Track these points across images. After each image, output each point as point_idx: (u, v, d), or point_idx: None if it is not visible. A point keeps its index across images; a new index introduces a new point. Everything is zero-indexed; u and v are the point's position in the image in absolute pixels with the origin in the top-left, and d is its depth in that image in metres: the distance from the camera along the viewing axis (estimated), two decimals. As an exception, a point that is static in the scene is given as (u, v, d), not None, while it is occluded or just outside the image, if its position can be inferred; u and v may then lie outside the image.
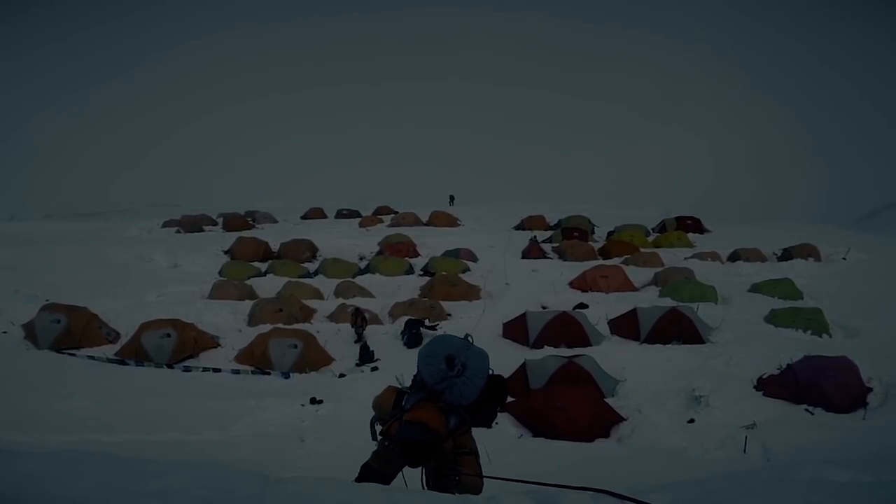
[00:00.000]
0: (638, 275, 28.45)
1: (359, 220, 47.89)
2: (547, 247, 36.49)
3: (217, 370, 17.76)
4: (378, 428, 5.22)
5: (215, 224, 45.86)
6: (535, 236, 39.76)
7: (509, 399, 15.57)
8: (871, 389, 15.61)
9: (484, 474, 4.66)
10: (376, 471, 5.02)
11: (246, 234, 39.54)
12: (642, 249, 34.38)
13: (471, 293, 26.09)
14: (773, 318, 21.25)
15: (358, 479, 4.96)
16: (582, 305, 23.62)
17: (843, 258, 31.58)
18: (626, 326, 20.83)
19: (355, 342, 20.00)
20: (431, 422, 4.54)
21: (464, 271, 30.15)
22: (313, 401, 15.07)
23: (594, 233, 41.74)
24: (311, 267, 31.87)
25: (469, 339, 4.95)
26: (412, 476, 4.84)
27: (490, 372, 4.96)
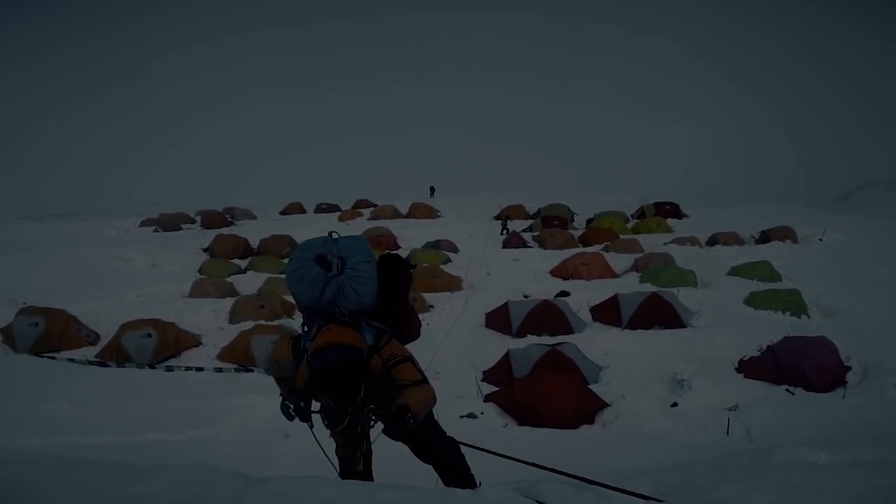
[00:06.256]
0: (618, 261, 28.62)
1: (338, 214, 47.78)
2: (527, 236, 36.62)
3: (200, 369, 17.64)
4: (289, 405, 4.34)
5: (193, 222, 45.55)
6: (505, 216, 39.98)
7: (494, 389, 15.62)
8: (849, 368, 15.82)
9: (482, 448, 4.30)
10: (346, 461, 4.56)
11: (225, 231, 39.27)
12: (622, 236, 34.62)
13: (452, 284, 26.10)
14: (753, 301, 21.46)
15: (339, 469, 4.66)
16: (563, 293, 23.71)
17: (820, 239, 31.95)
18: (607, 313, 20.95)
19: None
20: (345, 338, 3.71)
21: (445, 262, 30.17)
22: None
23: (573, 221, 41.99)
24: (292, 262, 31.72)
25: (333, 235, 4.09)
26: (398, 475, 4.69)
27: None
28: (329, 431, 4.47)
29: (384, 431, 3.87)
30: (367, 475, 4.72)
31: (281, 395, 4.40)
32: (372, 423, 4.06)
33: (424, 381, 3.93)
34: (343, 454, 4.65)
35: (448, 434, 4.47)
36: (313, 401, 4.18)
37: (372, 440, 4.38)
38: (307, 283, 3.90)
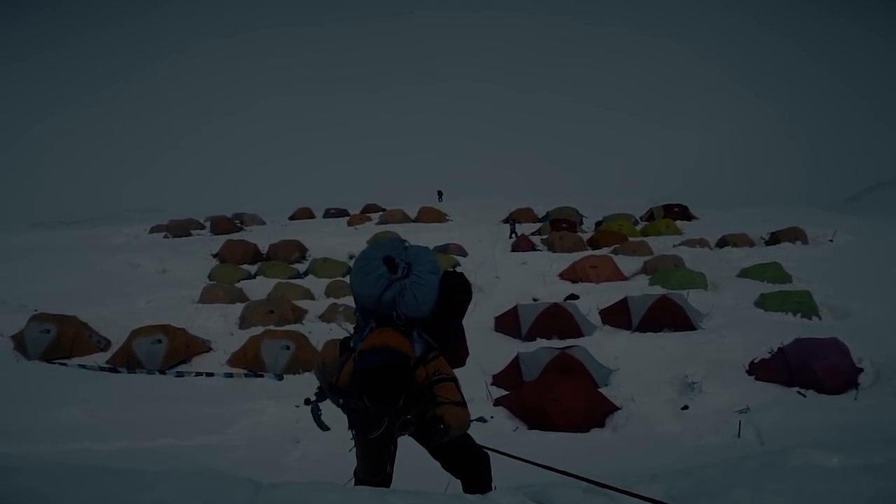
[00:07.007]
0: (627, 264, 28.55)
1: (347, 218, 47.85)
2: (536, 239, 36.59)
3: (210, 374, 17.70)
4: (319, 410, 4.37)
5: (203, 228, 45.71)
6: (513, 220, 39.99)
7: (503, 392, 15.59)
8: (861, 370, 15.72)
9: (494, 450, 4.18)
10: (369, 484, 4.39)
11: (234, 236, 39.45)
12: (631, 238, 34.52)
13: (461, 288, 26.03)
14: (763, 302, 21.38)
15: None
16: (573, 296, 23.68)
17: (830, 240, 31.79)
18: (616, 316, 20.91)
19: None
20: (395, 342, 3.72)
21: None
22: (308, 401, 15.01)
23: (582, 223, 41.89)
24: (301, 267, 31.81)
25: (405, 242, 4.17)
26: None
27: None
28: (350, 447, 4.41)
29: (417, 437, 3.87)
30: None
31: (316, 393, 4.44)
32: (404, 432, 3.88)
33: (464, 404, 3.90)
34: (363, 473, 4.52)
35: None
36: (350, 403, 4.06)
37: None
38: (371, 281, 3.93)
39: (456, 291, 4.26)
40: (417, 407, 3.83)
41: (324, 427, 4.33)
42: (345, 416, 4.22)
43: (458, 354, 4.36)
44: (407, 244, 4.13)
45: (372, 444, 4.13)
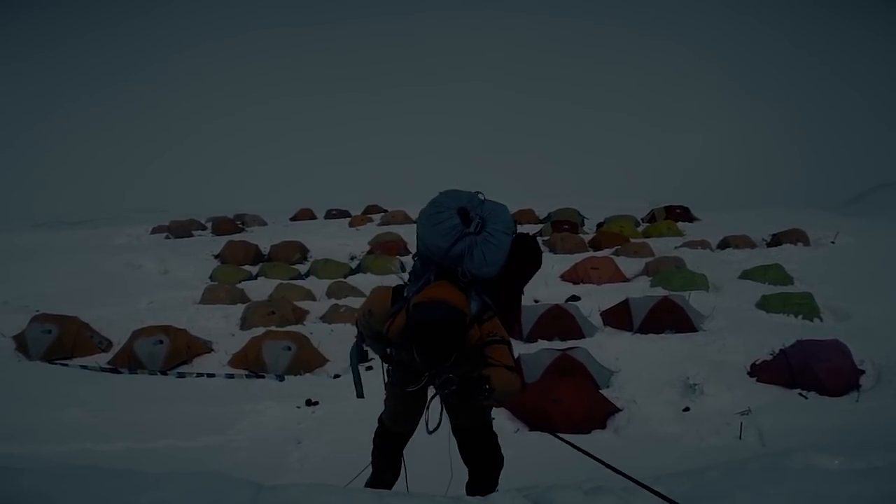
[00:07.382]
0: (629, 265, 28.48)
1: (348, 219, 47.77)
2: (537, 240, 36.54)
3: (211, 375, 17.70)
4: (359, 359, 4.34)
5: (204, 228, 45.67)
6: (515, 221, 39.90)
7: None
8: (863, 371, 15.72)
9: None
10: (391, 433, 4.39)
11: (235, 237, 39.40)
12: (632, 240, 34.40)
13: (463, 289, 25.99)
14: (765, 304, 21.35)
15: (376, 434, 4.52)
16: (574, 298, 23.64)
17: (832, 242, 31.73)
18: (618, 317, 20.87)
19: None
20: (454, 298, 3.59)
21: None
22: (309, 402, 15.07)
23: (584, 224, 41.80)
24: (302, 268, 31.77)
25: (480, 195, 4.09)
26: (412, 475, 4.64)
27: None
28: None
29: (455, 399, 3.69)
30: (398, 451, 4.59)
31: (357, 337, 4.35)
32: (444, 390, 3.67)
33: (514, 369, 3.79)
34: (390, 421, 4.43)
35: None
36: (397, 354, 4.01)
37: (432, 426, 4.05)
38: (441, 231, 3.84)
39: (527, 257, 4.20)
40: (466, 367, 3.68)
41: (360, 391, 4.34)
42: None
43: (512, 320, 4.28)
44: (483, 197, 4.07)
45: (408, 396, 4.04)
